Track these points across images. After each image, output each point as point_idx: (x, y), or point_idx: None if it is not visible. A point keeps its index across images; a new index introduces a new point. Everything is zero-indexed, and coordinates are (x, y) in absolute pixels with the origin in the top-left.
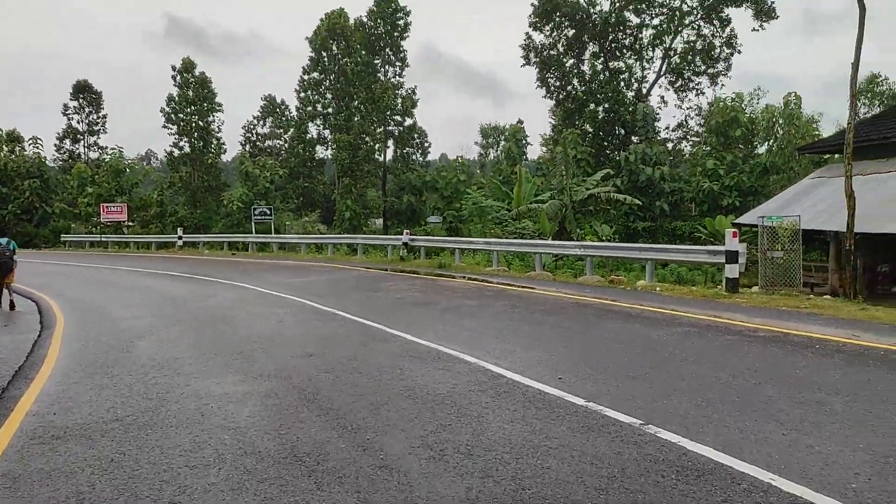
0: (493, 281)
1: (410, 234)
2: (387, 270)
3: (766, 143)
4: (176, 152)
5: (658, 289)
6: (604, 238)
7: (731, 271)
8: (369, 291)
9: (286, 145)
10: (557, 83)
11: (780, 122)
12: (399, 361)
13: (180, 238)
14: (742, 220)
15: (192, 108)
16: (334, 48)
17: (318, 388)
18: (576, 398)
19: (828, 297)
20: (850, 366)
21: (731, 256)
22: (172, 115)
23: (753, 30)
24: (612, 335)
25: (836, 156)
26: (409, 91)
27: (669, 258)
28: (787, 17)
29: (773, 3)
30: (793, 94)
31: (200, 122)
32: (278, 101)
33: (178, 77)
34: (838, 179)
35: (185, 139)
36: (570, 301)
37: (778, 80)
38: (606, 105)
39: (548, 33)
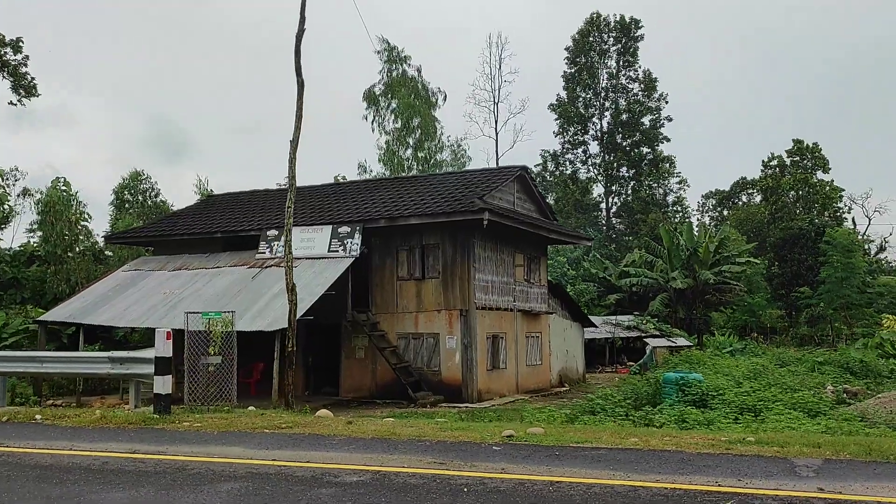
0: None
1: None
2: None
3: (39, 230)
4: None
5: (39, 417)
6: None
7: (164, 385)
8: None
9: None
10: None
11: (59, 208)
12: None
13: None
14: (48, 317)
15: None
16: None
17: None
18: None
19: (253, 408)
20: None
21: (164, 365)
22: None
23: (11, 103)
24: None
25: (147, 249)
26: None
27: (45, 370)
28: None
29: (34, 80)
30: (62, 179)
31: None
32: None
33: None
34: (158, 273)
35: None
36: None
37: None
38: None
39: None
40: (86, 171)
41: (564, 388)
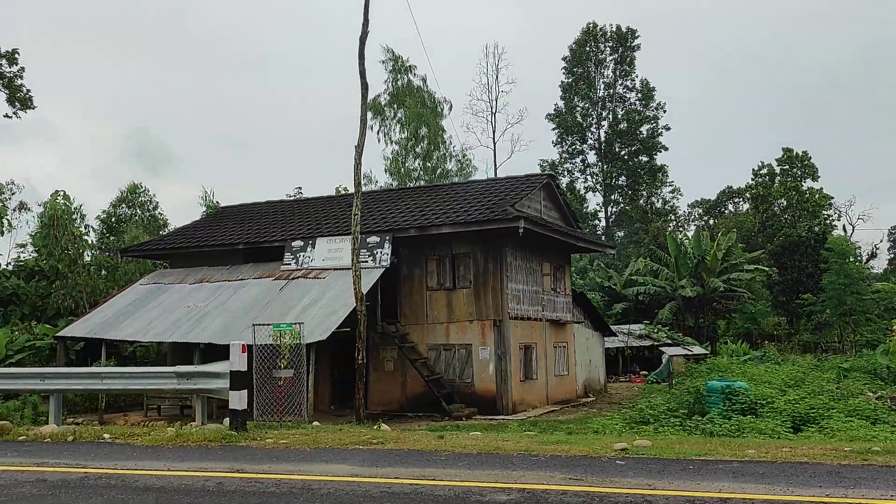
0: None
1: None
2: None
3: (41, 244)
4: None
5: (107, 436)
6: None
7: (241, 401)
8: None
9: None
10: None
11: (63, 221)
12: None
13: None
14: (69, 332)
15: None
16: None
17: None
18: None
19: (317, 423)
20: None
21: (240, 380)
22: None
23: (6, 116)
24: None
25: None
26: None
27: (106, 387)
28: None
29: (30, 92)
30: (62, 192)
31: None
32: None
33: None
34: (178, 286)
35: None
36: None
37: None
38: None
39: None
40: (63, 184)
41: (590, 399)
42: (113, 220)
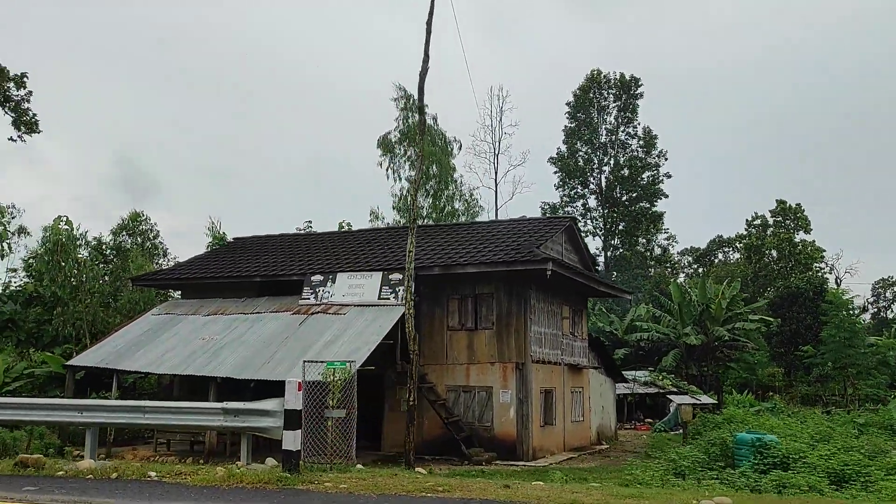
0: None
1: None
2: None
3: (44, 269)
4: None
5: (154, 474)
6: None
7: (295, 441)
8: None
9: None
10: None
11: (68, 247)
12: None
13: None
14: (80, 361)
15: None
16: None
17: None
18: None
19: (361, 466)
20: None
21: (294, 419)
22: None
23: (10, 139)
24: None
25: (177, 293)
26: None
27: (147, 422)
28: None
29: (35, 116)
30: (65, 217)
31: None
32: None
33: None
34: (192, 318)
35: None
36: None
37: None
38: None
39: None
40: (49, 211)
41: (605, 446)
42: (104, 247)
